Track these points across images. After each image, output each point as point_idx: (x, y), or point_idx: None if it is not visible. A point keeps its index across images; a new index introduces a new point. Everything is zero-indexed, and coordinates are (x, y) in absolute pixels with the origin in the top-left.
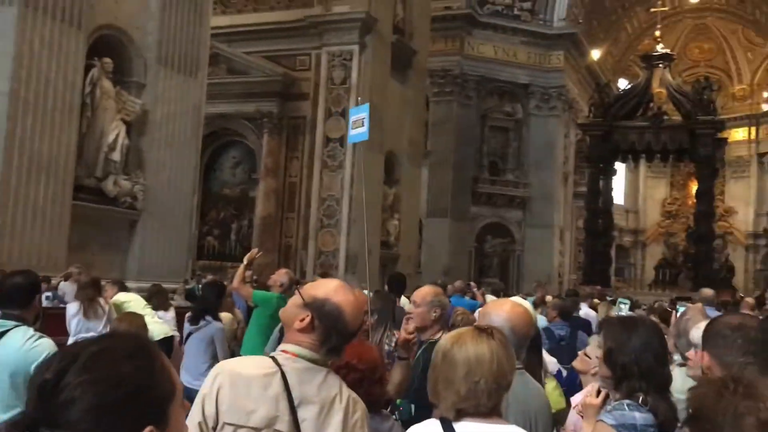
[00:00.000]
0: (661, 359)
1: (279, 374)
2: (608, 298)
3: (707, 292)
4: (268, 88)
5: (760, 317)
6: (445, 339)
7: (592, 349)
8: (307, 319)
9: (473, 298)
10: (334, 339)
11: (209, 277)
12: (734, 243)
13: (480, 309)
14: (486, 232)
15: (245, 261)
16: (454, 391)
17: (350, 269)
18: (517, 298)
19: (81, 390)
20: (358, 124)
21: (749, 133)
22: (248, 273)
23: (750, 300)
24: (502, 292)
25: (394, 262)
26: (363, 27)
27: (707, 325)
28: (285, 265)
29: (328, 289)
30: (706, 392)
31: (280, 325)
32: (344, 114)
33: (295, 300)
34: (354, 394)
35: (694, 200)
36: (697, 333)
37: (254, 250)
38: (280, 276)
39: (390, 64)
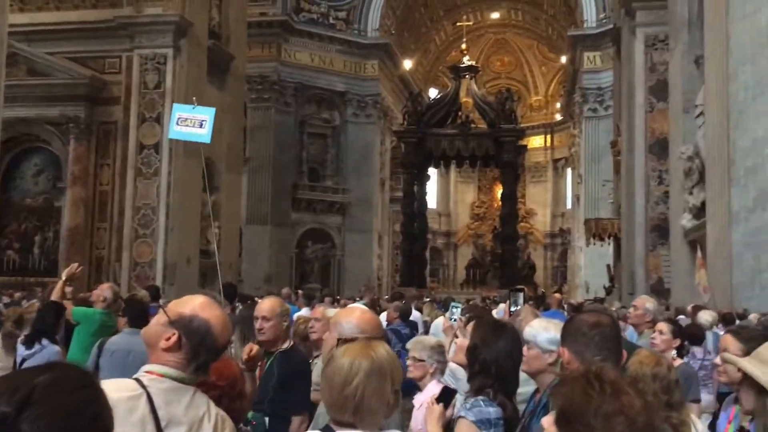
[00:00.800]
0: (517, 368)
1: (144, 396)
2: (426, 299)
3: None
4: (74, 91)
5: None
6: (336, 350)
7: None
8: (174, 338)
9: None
10: (202, 356)
11: (16, 294)
12: (534, 242)
13: (331, 318)
14: (307, 238)
15: (64, 276)
16: (335, 401)
17: (168, 280)
18: (358, 305)
19: (45, 421)
20: (189, 124)
21: (545, 141)
22: (68, 289)
23: (558, 296)
24: (317, 298)
25: (214, 271)
26: (177, 30)
27: (566, 323)
28: (97, 278)
29: (194, 305)
30: (572, 391)
31: (99, 341)
32: (159, 119)
33: (159, 318)
34: (222, 412)
35: (500, 203)
36: (529, 331)
37: (74, 265)
38: (103, 291)
39: (206, 69)
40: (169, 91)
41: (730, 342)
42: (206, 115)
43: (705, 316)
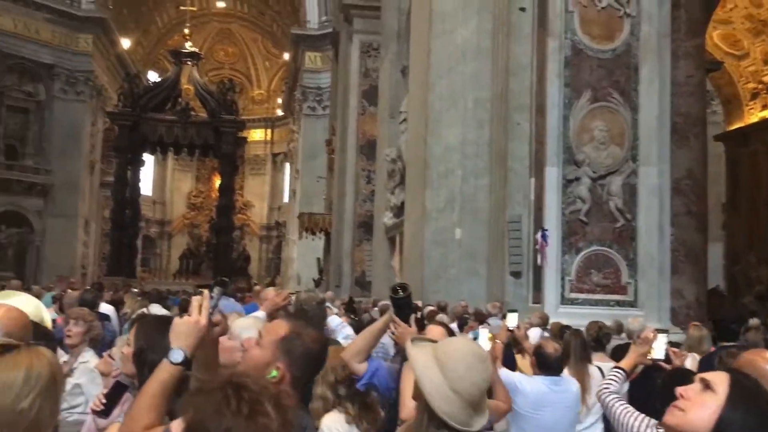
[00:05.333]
0: None
1: None
2: (134, 290)
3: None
4: None
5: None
6: None
7: (118, 349)
8: None
9: None
10: None
11: None
12: (251, 234)
13: None
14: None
15: None
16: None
17: None
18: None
19: None
20: None
21: (266, 135)
22: None
23: (258, 287)
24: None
25: None
26: None
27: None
28: None
29: None
30: (205, 404)
31: None
32: None
33: None
34: None
35: (218, 194)
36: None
37: None
38: None
39: None
40: None
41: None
42: None
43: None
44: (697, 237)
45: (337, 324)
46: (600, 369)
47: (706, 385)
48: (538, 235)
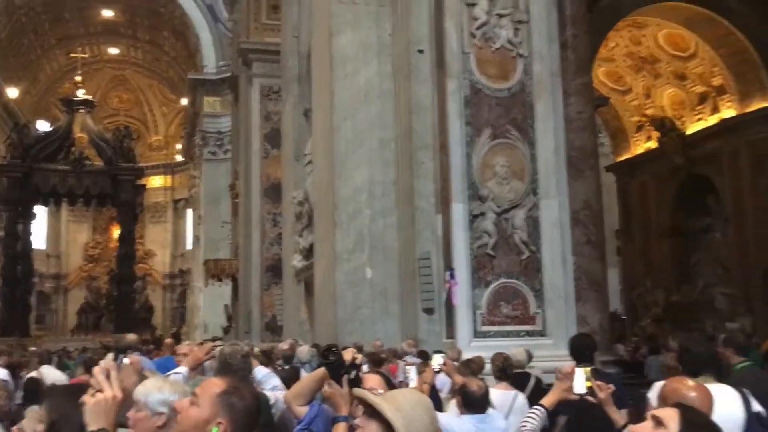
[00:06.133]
0: None
1: None
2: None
3: (131, 336)
4: None
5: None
6: None
7: (28, 422)
8: None
9: None
10: None
11: None
12: (153, 284)
13: None
14: None
15: None
16: None
17: None
18: None
19: None
20: None
21: (165, 181)
22: None
23: (169, 340)
24: None
25: None
26: None
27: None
28: None
29: None
30: None
31: None
32: None
33: None
34: None
35: (117, 244)
36: (141, 390)
37: None
38: None
39: None
40: None
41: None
42: None
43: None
44: (598, 265)
45: (264, 375)
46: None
47: (658, 422)
48: (447, 275)
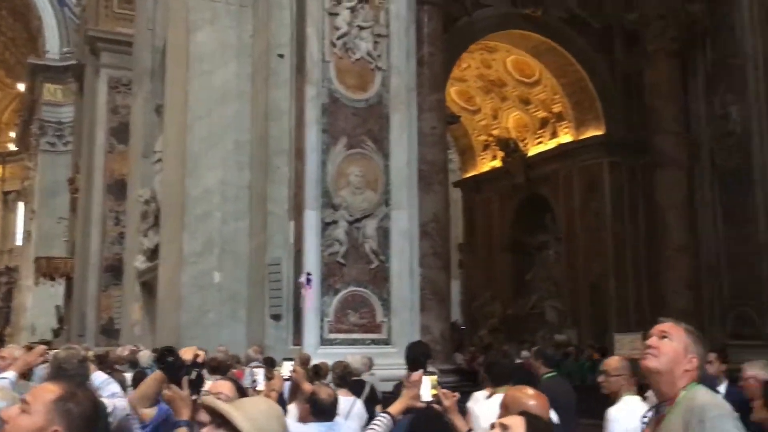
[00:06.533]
0: None
1: None
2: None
3: None
4: None
5: None
6: None
7: None
8: None
9: None
10: None
11: None
12: None
13: None
14: None
15: None
16: None
17: None
18: None
19: None
20: None
21: None
22: None
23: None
24: None
25: None
26: None
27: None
28: None
29: None
30: None
31: None
32: None
33: None
34: None
35: None
36: None
37: None
38: None
39: None
40: None
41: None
42: None
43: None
44: (442, 276)
45: (102, 381)
46: None
47: (505, 429)
48: (303, 278)
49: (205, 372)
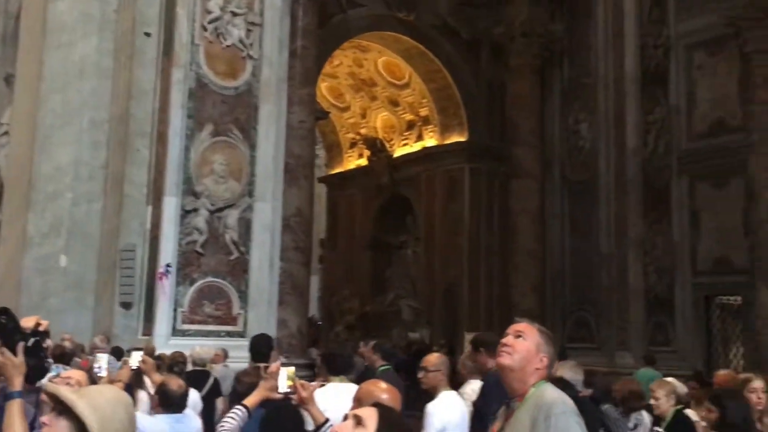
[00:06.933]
0: None
1: None
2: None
3: None
4: None
5: None
6: None
7: None
8: None
9: None
10: None
11: None
12: None
13: None
14: None
15: None
16: None
17: None
18: None
19: None
20: None
21: None
22: None
23: None
24: None
25: None
26: None
27: None
28: None
29: None
30: None
31: None
32: None
33: None
34: None
35: None
36: None
37: None
38: None
39: None
40: None
41: None
42: None
43: None
44: (302, 271)
45: None
46: None
47: (358, 422)
48: (162, 269)
49: (49, 343)
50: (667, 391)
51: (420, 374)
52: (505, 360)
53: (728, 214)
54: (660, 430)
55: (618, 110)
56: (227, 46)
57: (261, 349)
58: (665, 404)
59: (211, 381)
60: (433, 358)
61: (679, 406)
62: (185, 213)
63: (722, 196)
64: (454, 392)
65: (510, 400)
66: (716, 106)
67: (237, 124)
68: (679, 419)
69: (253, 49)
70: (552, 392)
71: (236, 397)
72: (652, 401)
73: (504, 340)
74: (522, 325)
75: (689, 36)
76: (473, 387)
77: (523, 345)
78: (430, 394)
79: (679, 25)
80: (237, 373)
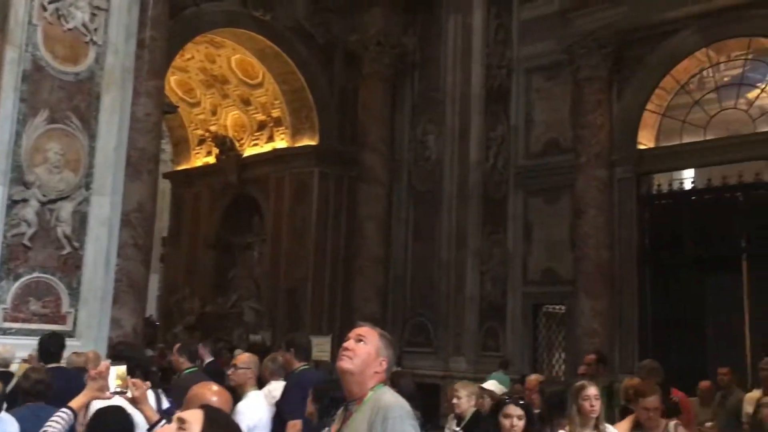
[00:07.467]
0: None
1: None
2: None
3: None
4: None
5: None
6: None
7: None
8: None
9: None
10: None
11: None
12: None
13: None
14: None
15: None
16: None
17: None
18: None
19: None
20: None
21: None
22: None
23: None
24: None
25: None
26: None
27: None
28: None
29: None
30: None
31: None
32: None
33: None
34: None
35: None
36: None
37: None
38: None
39: None
40: None
41: None
42: None
43: None
44: (141, 269)
45: None
46: None
47: (182, 422)
48: None
49: None
50: (469, 392)
51: (230, 371)
52: (346, 364)
53: (557, 228)
54: (458, 429)
55: (463, 125)
56: (69, 29)
57: (49, 348)
58: (465, 404)
59: (14, 382)
60: (245, 357)
61: (475, 408)
62: (13, 203)
63: (552, 211)
64: (260, 392)
65: (348, 403)
66: (550, 127)
67: (76, 112)
68: (476, 419)
69: (97, 35)
70: (389, 396)
71: (23, 393)
72: (454, 401)
73: (345, 344)
74: (363, 329)
75: (529, 60)
76: (272, 388)
77: (364, 349)
78: (237, 393)
79: (522, 49)
80: (26, 370)
